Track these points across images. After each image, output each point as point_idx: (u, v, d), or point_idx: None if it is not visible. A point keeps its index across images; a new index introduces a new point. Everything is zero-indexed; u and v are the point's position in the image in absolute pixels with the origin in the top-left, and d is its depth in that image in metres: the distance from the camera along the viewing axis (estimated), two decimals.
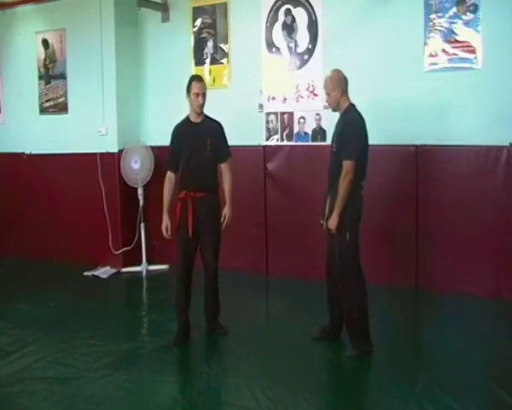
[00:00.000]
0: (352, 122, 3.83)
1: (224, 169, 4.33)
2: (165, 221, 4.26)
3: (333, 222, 3.77)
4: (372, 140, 5.43)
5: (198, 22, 6.07)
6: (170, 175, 4.35)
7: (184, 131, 4.28)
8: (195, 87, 4.15)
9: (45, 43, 6.64)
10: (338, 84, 3.88)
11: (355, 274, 3.85)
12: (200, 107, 4.17)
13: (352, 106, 3.91)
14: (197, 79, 4.25)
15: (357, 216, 3.86)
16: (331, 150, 3.96)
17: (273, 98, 5.74)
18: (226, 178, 4.32)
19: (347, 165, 3.72)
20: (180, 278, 4.23)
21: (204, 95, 4.17)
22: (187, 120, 4.30)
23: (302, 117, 5.62)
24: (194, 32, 6.10)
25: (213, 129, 4.27)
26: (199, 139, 4.20)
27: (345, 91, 3.91)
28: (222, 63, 5.98)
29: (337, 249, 3.85)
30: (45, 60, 6.66)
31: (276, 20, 5.67)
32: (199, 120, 4.24)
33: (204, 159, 4.20)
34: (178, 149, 4.28)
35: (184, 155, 4.23)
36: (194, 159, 4.20)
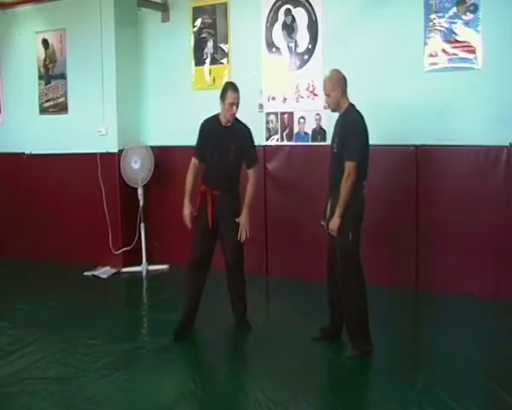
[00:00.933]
0: (352, 122, 3.82)
1: (249, 175, 4.33)
2: (188, 208, 4.26)
3: (334, 224, 3.76)
4: (372, 140, 5.43)
5: (198, 22, 6.07)
6: (194, 162, 4.38)
7: (212, 131, 4.29)
8: (231, 97, 4.15)
9: (45, 43, 6.64)
10: (337, 84, 3.86)
11: (356, 274, 3.85)
12: (232, 116, 4.21)
13: (352, 106, 3.90)
14: (233, 88, 4.20)
15: (359, 216, 3.84)
16: (331, 151, 3.94)
17: (273, 98, 5.74)
18: (248, 184, 4.31)
19: (349, 166, 3.70)
20: (192, 270, 4.27)
21: (238, 105, 4.19)
22: (217, 120, 4.29)
23: (302, 117, 5.62)
24: (194, 32, 6.10)
25: (239, 134, 4.29)
26: (224, 144, 4.23)
27: (344, 92, 3.89)
28: (222, 63, 5.98)
29: (339, 249, 3.84)
30: (45, 60, 6.66)
31: (276, 20, 5.67)
32: (228, 124, 4.27)
33: (226, 164, 4.24)
34: (205, 146, 4.31)
35: (209, 156, 4.29)
36: (217, 162, 4.25)
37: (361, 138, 3.82)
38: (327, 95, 3.92)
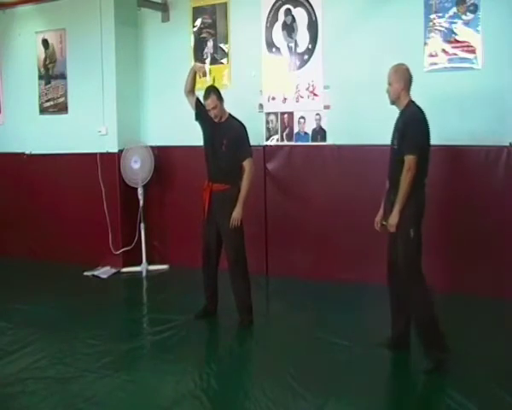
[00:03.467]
0: (412, 117, 3.69)
1: (244, 169, 4.40)
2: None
3: (394, 219, 3.61)
4: (372, 140, 5.45)
5: (198, 22, 6.07)
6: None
7: (208, 121, 4.47)
8: (205, 104, 4.40)
9: (45, 43, 6.64)
10: (402, 77, 3.71)
11: (419, 276, 3.65)
12: (215, 118, 4.41)
13: (412, 102, 3.77)
14: (205, 95, 4.40)
15: (420, 214, 3.69)
16: (392, 149, 3.80)
17: (273, 98, 5.74)
18: (243, 178, 4.40)
19: (409, 160, 3.56)
20: (202, 262, 4.59)
21: (215, 108, 4.36)
22: None
23: (302, 117, 5.62)
24: (194, 32, 6.10)
25: (232, 130, 4.44)
26: (217, 138, 4.43)
27: (407, 87, 3.73)
28: (222, 63, 5.98)
29: (400, 249, 3.67)
30: (45, 60, 6.66)
31: (276, 20, 5.67)
32: (222, 121, 4.46)
33: (220, 157, 4.41)
34: (201, 116, 4.53)
35: (205, 149, 4.53)
36: (212, 156, 4.46)
37: (421, 132, 3.67)
38: (389, 84, 3.77)
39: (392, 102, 3.81)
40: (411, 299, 3.66)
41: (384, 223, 3.86)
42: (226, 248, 4.48)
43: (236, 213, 4.33)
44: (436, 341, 3.60)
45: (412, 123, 3.67)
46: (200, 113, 4.53)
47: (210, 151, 4.48)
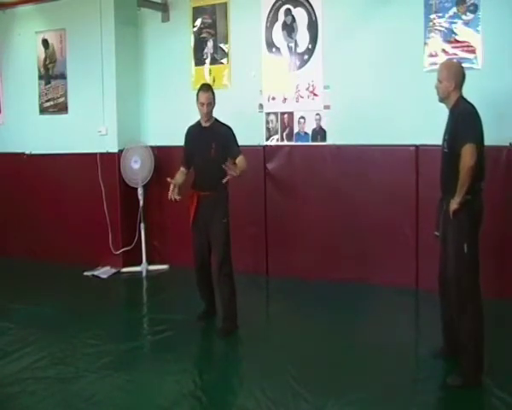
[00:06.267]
0: (464, 111, 3.45)
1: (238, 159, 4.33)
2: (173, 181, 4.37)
3: (453, 205, 3.32)
4: (372, 140, 5.45)
5: (198, 22, 6.07)
6: (182, 170, 4.52)
7: (194, 134, 4.47)
8: (201, 97, 4.30)
9: (45, 43, 6.64)
10: (454, 76, 3.51)
11: (471, 295, 3.36)
12: (205, 115, 4.33)
13: (462, 99, 3.53)
14: (204, 88, 4.35)
15: (476, 222, 3.39)
16: (442, 152, 3.59)
17: (273, 98, 5.74)
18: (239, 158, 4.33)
19: (466, 149, 3.25)
20: (195, 270, 4.50)
21: (209, 104, 4.30)
22: (198, 123, 4.45)
23: (302, 117, 5.62)
24: (194, 32, 6.10)
25: (220, 133, 4.38)
26: (204, 143, 4.36)
27: (458, 86, 3.52)
28: (222, 63, 5.98)
29: (452, 263, 3.40)
30: (45, 60, 6.66)
31: (276, 20, 5.67)
32: (207, 125, 4.38)
33: (208, 161, 4.32)
34: (189, 150, 4.48)
35: (193, 158, 4.43)
36: (199, 161, 4.39)
37: (474, 125, 3.37)
38: (439, 80, 3.58)
39: (441, 100, 3.64)
40: (462, 313, 3.38)
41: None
42: (214, 250, 4.38)
43: (236, 171, 4.13)
44: (477, 360, 3.41)
45: (463, 118, 3.41)
46: (187, 141, 4.52)
47: (199, 158, 4.38)
